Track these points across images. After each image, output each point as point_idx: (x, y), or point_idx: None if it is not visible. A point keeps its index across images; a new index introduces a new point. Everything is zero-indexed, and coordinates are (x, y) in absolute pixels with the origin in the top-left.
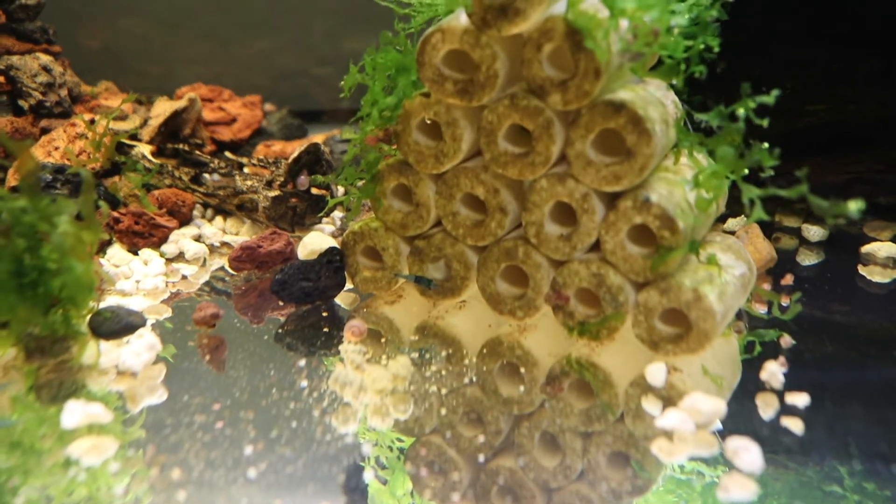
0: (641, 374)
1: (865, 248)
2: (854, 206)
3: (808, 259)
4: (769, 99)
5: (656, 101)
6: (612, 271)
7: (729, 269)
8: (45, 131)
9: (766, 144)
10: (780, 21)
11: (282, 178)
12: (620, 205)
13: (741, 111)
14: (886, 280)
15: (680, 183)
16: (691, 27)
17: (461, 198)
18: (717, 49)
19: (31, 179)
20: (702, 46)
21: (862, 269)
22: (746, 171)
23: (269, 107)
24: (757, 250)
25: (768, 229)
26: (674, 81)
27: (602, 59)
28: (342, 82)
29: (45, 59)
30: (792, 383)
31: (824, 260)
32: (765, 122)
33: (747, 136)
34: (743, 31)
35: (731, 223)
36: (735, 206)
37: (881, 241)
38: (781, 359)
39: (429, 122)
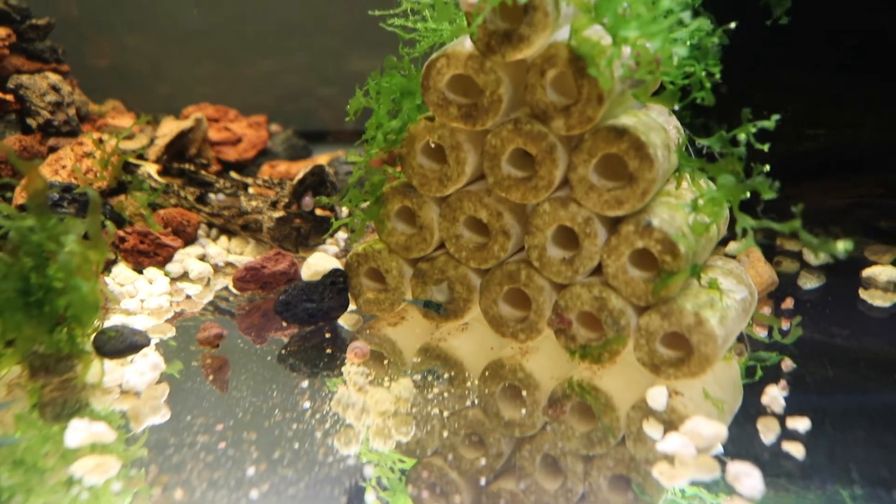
0: (643, 397)
1: (866, 272)
2: (842, 246)
3: (809, 283)
4: (770, 124)
5: (658, 126)
6: (613, 295)
7: (730, 294)
8: (52, 150)
9: (766, 167)
10: (782, 46)
11: (286, 200)
12: (622, 229)
13: (742, 136)
14: (887, 304)
15: (682, 207)
16: (693, 52)
17: (464, 221)
18: (718, 75)
19: (39, 199)
20: (703, 73)
21: (863, 293)
22: (747, 195)
23: (275, 127)
24: (758, 274)
25: (769, 253)
26: (675, 107)
27: (605, 86)
28: (348, 105)
29: (54, 78)
30: (793, 407)
31: (825, 284)
32: (765, 147)
33: (749, 159)
34: (745, 55)
35: (733, 246)
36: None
37: (882, 265)
38: (782, 382)
39: (433, 145)
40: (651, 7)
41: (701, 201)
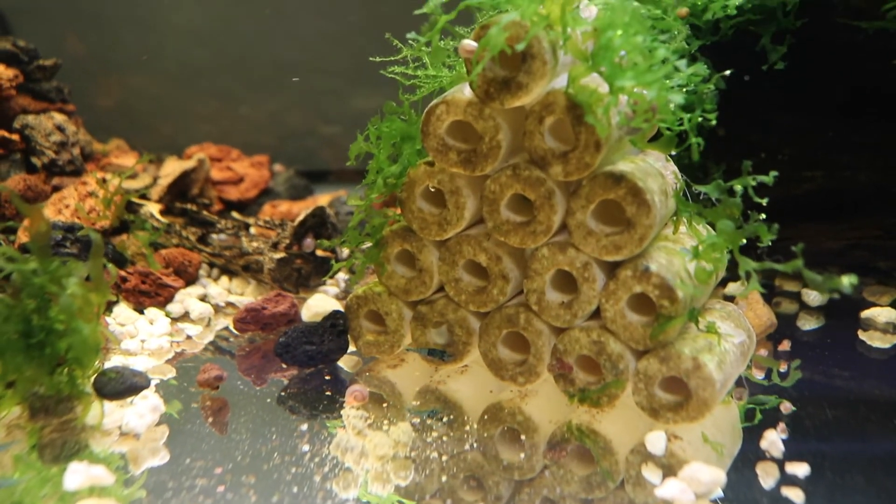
0: (641, 441)
1: (865, 314)
2: (847, 280)
3: (808, 324)
4: (768, 180)
5: (655, 172)
6: (612, 339)
7: (728, 338)
8: (56, 189)
9: (763, 216)
10: (778, 89)
11: (287, 241)
12: (620, 274)
13: (739, 188)
14: (887, 345)
15: (679, 252)
16: (690, 98)
17: (464, 264)
18: (714, 122)
19: (41, 241)
20: (699, 119)
21: (862, 335)
22: (745, 241)
23: (278, 167)
24: (757, 316)
25: (768, 294)
26: (672, 152)
27: (602, 133)
28: (349, 149)
29: (59, 118)
30: (792, 452)
31: (824, 325)
32: (764, 202)
33: (746, 202)
34: (741, 98)
35: (732, 287)
36: (736, 270)
37: (881, 306)
38: (781, 425)
39: (433, 190)
40: (647, 55)
41: (701, 247)
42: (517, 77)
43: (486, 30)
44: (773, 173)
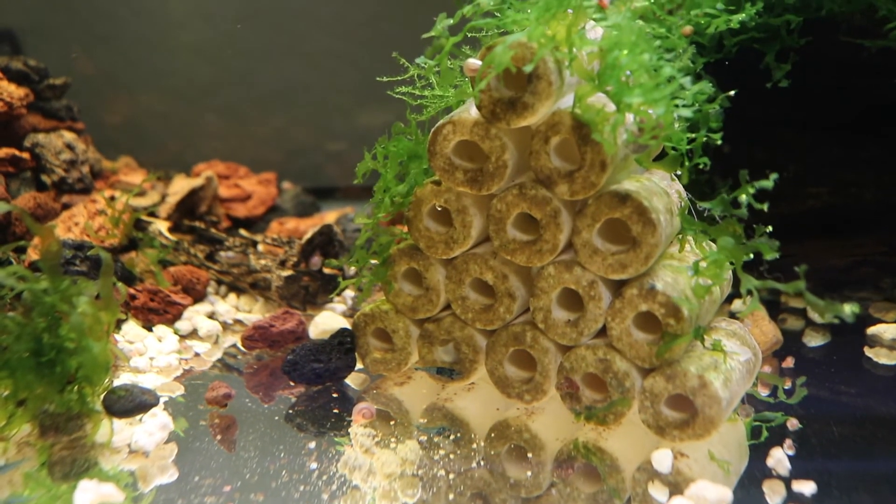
0: (648, 459)
1: (871, 330)
2: (849, 309)
3: (814, 340)
4: (768, 184)
5: (661, 191)
6: (618, 357)
7: (734, 356)
8: (66, 207)
9: (769, 228)
10: (783, 106)
11: (295, 259)
12: (626, 292)
13: (743, 198)
14: (893, 362)
15: (685, 270)
16: (696, 115)
17: (470, 283)
18: (719, 141)
19: (52, 260)
20: (704, 138)
21: (868, 351)
22: (751, 256)
23: (286, 185)
24: (762, 333)
25: (774, 310)
26: (678, 171)
27: (609, 152)
28: (357, 167)
29: (68, 136)
30: (799, 469)
31: (830, 341)
32: (765, 207)
33: (751, 219)
34: (746, 115)
35: (738, 304)
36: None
37: (887, 322)
38: (788, 442)
39: (439, 209)
40: (654, 74)
41: (703, 264)
42: (523, 97)
43: (491, 50)
44: (774, 176)
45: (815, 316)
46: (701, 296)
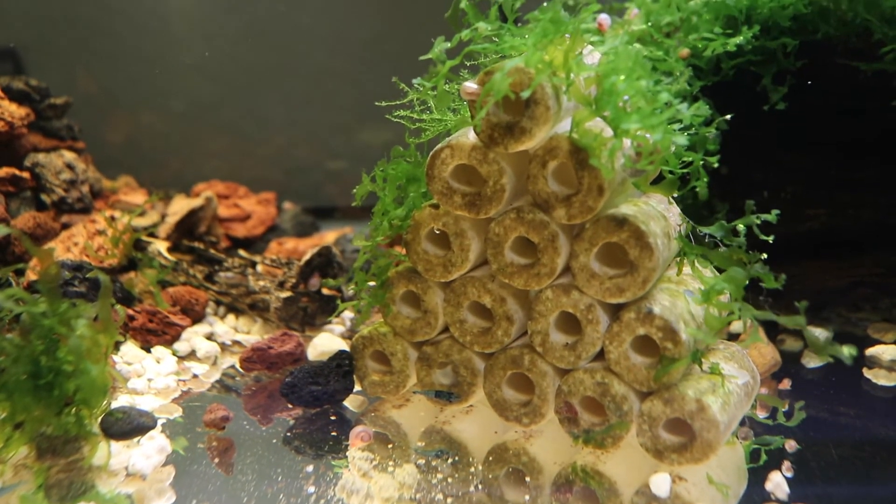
0: (646, 483)
1: (870, 351)
2: (847, 351)
3: (813, 361)
4: (771, 217)
5: (658, 215)
6: (616, 381)
7: (732, 379)
8: (65, 226)
9: (764, 255)
10: (781, 127)
11: (293, 280)
12: (624, 316)
13: (742, 227)
14: (891, 383)
15: (683, 294)
16: (693, 138)
17: (468, 306)
18: (716, 164)
19: (51, 283)
20: (701, 162)
21: (867, 373)
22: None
23: (287, 205)
24: (761, 354)
25: (772, 330)
26: (675, 193)
27: (607, 176)
28: (356, 190)
29: (69, 156)
30: (797, 493)
31: (829, 362)
32: (770, 239)
33: (748, 243)
34: (744, 136)
35: (736, 325)
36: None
37: (885, 343)
38: (787, 463)
39: (438, 232)
40: (650, 99)
41: (711, 294)
42: (521, 122)
43: (490, 75)
44: (776, 212)
45: (808, 342)
46: (717, 328)
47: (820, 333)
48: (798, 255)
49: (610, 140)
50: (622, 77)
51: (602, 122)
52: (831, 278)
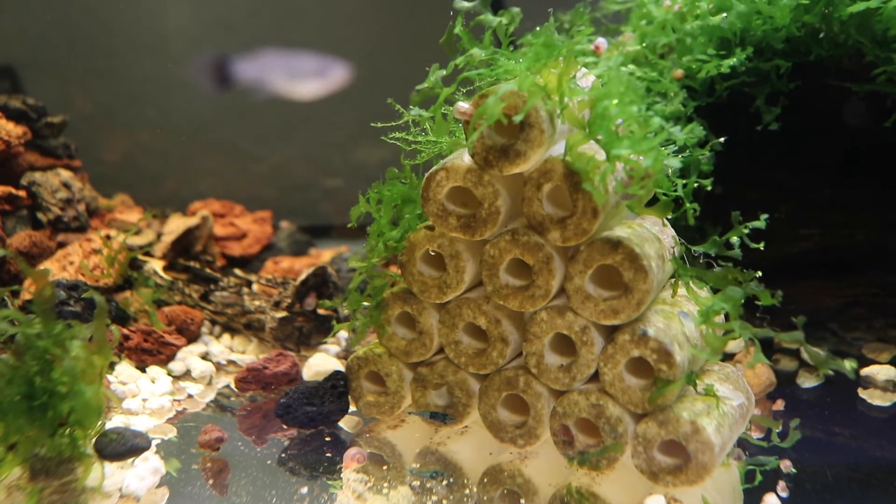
0: None
1: (865, 371)
2: (849, 365)
3: (808, 381)
4: (761, 224)
5: (652, 237)
6: (611, 402)
7: (727, 401)
8: (61, 245)
9: (759, 273)
10: (775, 148)
11: (289, 300)
12: (618, 338)
13: (735, 239)
14: (887, 404)
15: (677, 316)
16: (687, 159)
17: (463, 327)
18: (709, 187)
19: (45, 304)
20: (695, 184)
21: (862, 393)
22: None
23: (284, 224)
24: (756, 375)
25: (767, 350)
26: (669, 216)
27: (599, 200)
28: (350, 211)
29: (65, 175)
30: None
31: (824, 382)
32: (761, 246)
33: (744, 260)
34: (738, 157)
35: (732, 345)
36: None
37: (880, 363)
38: (782, 483)
39: (433, 253)
40: (643, 124)
41: (710, 314)
42: (515, 145)
43: (484, 99)
44: (764, 216)
45: (808, 357)
46: (718, 348)
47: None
48: (793, 275)
49: (603, 164)
50: (615, 101)
51: (596, 145)
52: (826, 298)
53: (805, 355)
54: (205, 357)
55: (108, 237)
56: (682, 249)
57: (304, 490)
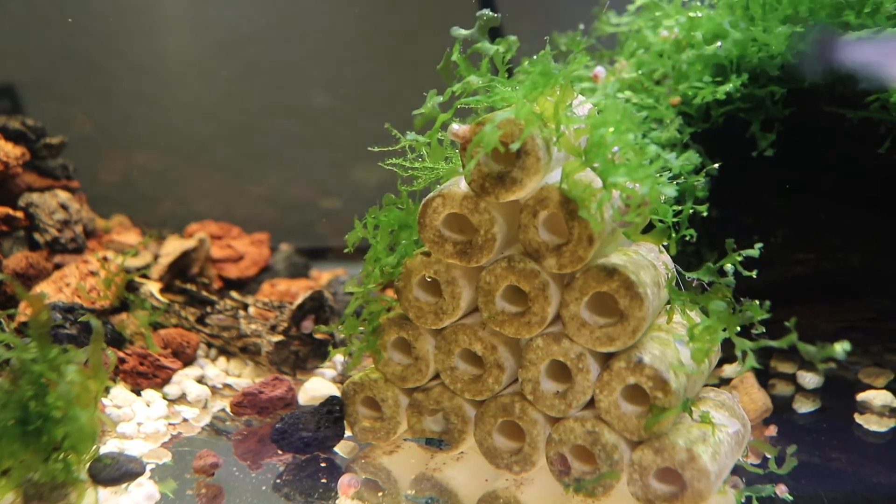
0: None
1: (861, 396)
2: (840, 347)
3: (804, 406)
4: (754, 252)
5: (648, 264)
6: (606, 429)
7: (723, 428)
8: (58, 266)
9: (756, 302)
10: (771, 172)
11: (285, 324)
12: (614, 365)
13: (728, 266)
14: (883, 429)
15: (673, 343)
16: (682, 186)
17: (459, 353)
18: (705, 213)
19: (41, 329)
20: (691, 210)
21: (859, 418)
22: (738, 329)
23: (284, 246)
24: (752, 400)
25: (763, 376)
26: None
27: (595, 228)
28: (347, 237)
29: (63, 196)
30: None
31: (820, 407)
32: (753, 273)
33: (738, 287)
34: (735, 182)
35: (729, 370)
36: (732, 349)
37: (876, 388)
38: None
39: (429, 279)
40: (639, 152)
41: (696, 331)
42: (512, 172)
43: (481, 126)
44: (759, 245)
45: (805, 382)
46: (700, 360)
47: (811, 379)
48: (788, 300)
49: (599, 192)
50: (611, 129)
51: (592, 173)
52: (822, 323)
53: (800, 379)
54: (200, 380)
55: (104, 259)
56: (673, 276)
57: None
